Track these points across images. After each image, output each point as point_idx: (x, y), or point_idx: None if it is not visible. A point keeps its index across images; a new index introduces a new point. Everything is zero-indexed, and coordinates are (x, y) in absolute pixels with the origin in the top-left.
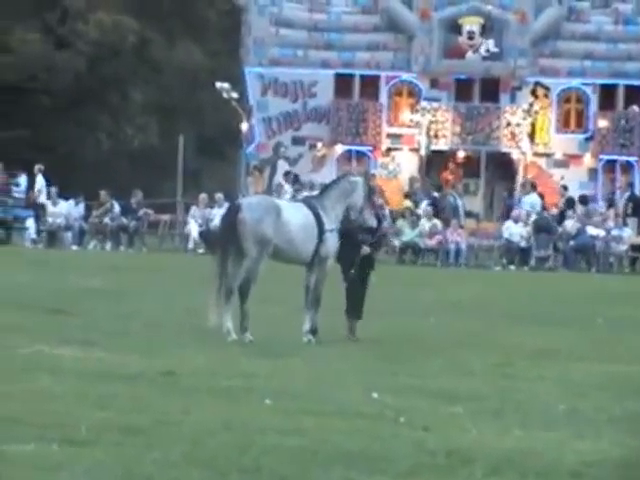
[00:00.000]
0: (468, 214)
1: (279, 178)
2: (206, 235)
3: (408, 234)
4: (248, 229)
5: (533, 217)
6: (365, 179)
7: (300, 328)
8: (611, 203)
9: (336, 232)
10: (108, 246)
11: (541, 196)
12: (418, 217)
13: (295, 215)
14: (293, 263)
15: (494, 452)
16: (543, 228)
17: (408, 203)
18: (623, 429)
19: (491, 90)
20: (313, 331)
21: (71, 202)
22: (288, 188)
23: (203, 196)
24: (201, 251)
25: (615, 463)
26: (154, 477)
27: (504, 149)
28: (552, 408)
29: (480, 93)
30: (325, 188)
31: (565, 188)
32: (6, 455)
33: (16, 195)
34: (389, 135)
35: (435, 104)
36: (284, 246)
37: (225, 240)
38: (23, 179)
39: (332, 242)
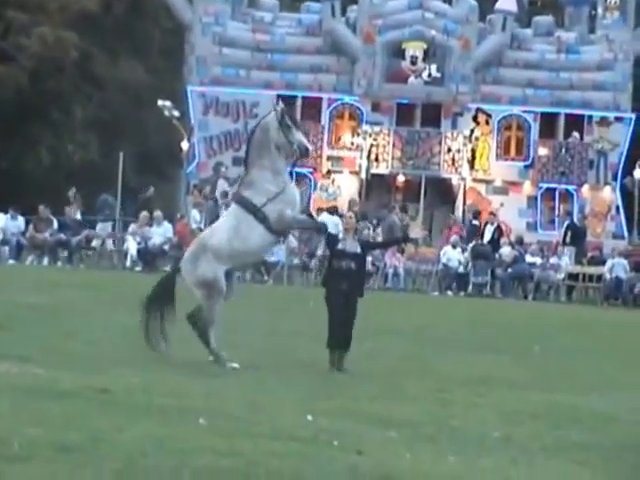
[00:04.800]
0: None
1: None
2: (144, 253)
3: None
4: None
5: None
6: None
7: (238, 348)
8: None
9: None
10: (45, 261)
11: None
12: None
13: None
14: None
15: (428, 478)
16: (481, 254)
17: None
18: (557, 457)
19: (432, 115)
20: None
21: (7, 216)
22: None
23: (144, 214)
24: (139, 269)
25: None
26: None
27: (444, 174)
28: (487, 435)
29: (421, 118)
30: None
31: (493, 214)
32: None
33: None
34: (330, 157)
35: (377, 128)
36: None
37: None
38: None
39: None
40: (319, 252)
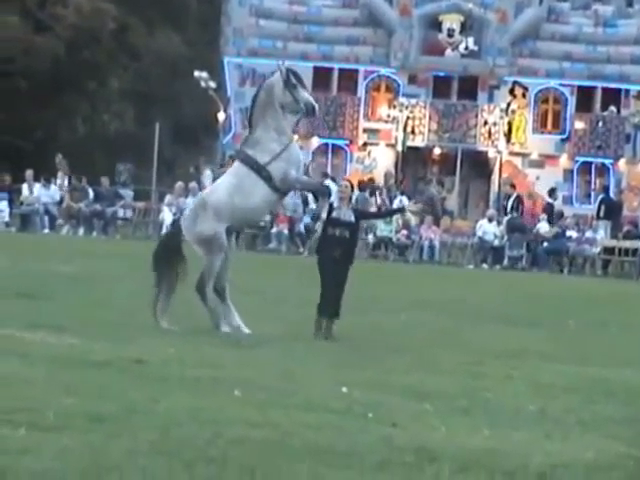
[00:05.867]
0: (442, 211)
1: None
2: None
3: (382, 229)
4: None
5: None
6: None
7: (273, 320)
8: None
9: None
10: (81, 231)
11: (520, 197)
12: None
13: None
14: None
15: (462, 450)
16: (517, 228)
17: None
18: (591, 431)
19: (469, 88)
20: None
21: (40, 185)
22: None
23: (180, 184)
24: None
25: (582, 465)
26: (121, 465)
27: (480, 147)
28: (521, 408)
29: (458, 91)
30: None
31: (513, 186)
32: None
33: None
34: (366, 130)
35: (413, 100)
36: None
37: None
38: None
39: None
40: (323, 215)
